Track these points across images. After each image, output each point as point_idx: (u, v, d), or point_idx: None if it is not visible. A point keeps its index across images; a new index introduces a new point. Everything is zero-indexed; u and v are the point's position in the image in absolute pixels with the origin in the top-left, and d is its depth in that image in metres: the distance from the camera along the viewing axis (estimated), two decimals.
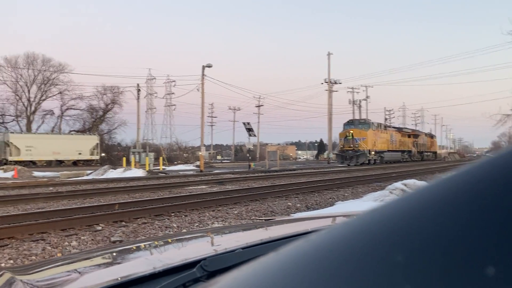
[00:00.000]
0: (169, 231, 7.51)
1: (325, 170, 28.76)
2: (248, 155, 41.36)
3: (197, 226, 8.02)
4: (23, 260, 5.47)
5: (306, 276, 0.35)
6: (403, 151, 47.86)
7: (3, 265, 5.27)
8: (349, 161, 38.46)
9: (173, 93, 62.70)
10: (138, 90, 47.36)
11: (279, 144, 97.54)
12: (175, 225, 7.96)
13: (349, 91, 60.79)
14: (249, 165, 33.26)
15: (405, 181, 11.93)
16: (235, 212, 9.45)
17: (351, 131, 39.33)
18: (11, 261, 5.42)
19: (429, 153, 57.98)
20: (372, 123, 41.30)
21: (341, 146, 40.43)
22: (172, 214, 9.04)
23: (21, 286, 0.98)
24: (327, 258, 0.36)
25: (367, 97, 64.36)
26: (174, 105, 65.36)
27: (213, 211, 9.55)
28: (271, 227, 1.73)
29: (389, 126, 48.50)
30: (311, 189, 14.15)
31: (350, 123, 41.31)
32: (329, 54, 51.44)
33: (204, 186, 16.34)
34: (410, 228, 0.33)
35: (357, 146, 38.45)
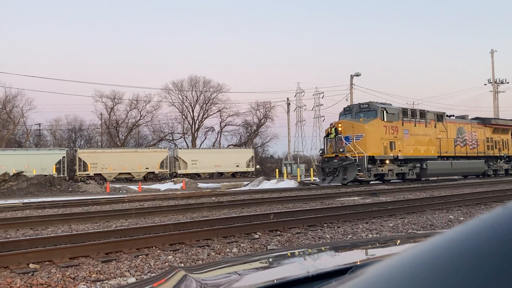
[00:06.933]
0: (322, 242, 7.55)
1: (493, 180, 25.89)
2: None
3: (350, 238, 7.91)
4: (191, 264, 6.04)
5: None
6: (491, 157, 29.47)
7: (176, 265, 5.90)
8: (331, 177, 22.90)
9: (321, 105, 63.21)
10: (288, 104, 49.04)
11: None
12: (328, 236, 7.97)
13: None
14: None
15: None
16: (390, 224, 9.06)
17: (339, 125, 23.09)
18: (182, 264, 6.03)
19: None
20: (385, 109, 23.17)
21: (320, 152, 25.10)
22: (324, 225, 9.07)
23: (194, 282, 1.10)
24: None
25: None
26: (323, 116, 65.80)
27: (367, 223, 9.31)
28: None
29: (461, 117, 29.28)
30: (476, 201, 12.85)
31: (346, 112, 24.50)
32: (492, 51, 46.47)
33: (356, 198, 16.04)
34: None
35: (342, 151, 22.52)
